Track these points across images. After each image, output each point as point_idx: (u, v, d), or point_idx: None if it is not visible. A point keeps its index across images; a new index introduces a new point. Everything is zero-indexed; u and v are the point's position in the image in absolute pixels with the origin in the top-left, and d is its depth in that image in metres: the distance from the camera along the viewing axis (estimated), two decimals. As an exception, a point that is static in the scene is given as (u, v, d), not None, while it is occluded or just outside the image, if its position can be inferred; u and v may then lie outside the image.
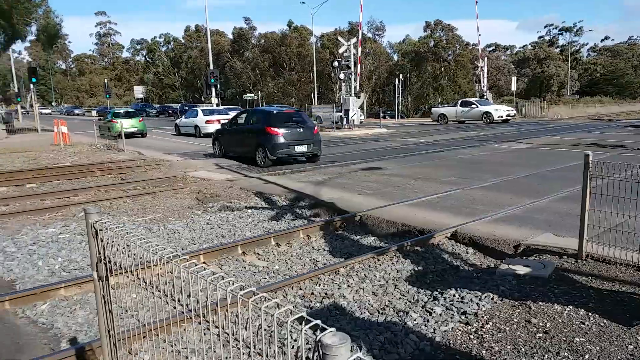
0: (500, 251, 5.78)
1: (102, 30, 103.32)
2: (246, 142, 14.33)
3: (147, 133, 26.92)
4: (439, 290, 4.63)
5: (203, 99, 66.61)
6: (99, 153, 18.50)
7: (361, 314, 4.39)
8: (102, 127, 25.70)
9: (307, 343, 1.24)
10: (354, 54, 27.13)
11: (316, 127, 14.64)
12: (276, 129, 13.28)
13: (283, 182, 10.84)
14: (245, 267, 5.92)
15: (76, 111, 72.41)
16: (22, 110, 37.53)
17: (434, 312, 3.96)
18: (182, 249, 6.52)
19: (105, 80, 49.07)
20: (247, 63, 68.00)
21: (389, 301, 4.64)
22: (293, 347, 1.33)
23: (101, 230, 2.06)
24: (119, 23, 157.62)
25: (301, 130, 13.73)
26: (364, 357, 1.16)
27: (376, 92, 62.37)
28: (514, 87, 44.11)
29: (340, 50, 27.83)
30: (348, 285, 5.08)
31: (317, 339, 1.17)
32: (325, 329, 1.19)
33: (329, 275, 5.37)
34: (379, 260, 5.77)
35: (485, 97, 34.13)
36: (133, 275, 1.98)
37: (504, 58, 75.11)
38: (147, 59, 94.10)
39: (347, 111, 27.00)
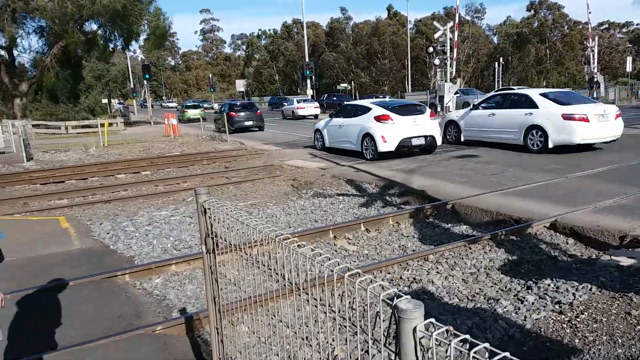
0: (604, 242, 5.43)
1: (206, 27, 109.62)
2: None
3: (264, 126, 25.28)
4: (533, 279, 4.50)
5: (299, 90, 68.32)
6: (205, 143, 19.84)
7: (449, 299, 4.40)
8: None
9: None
10: (450, 39, 26.26)
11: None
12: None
13: (373, 170, 10.93)
14: (336, 251, 6.14)
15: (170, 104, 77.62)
16: (149, 104, 41.10)
17: (526, 300, 3.88)
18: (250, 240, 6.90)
19: (210, 75, 52.14)
20: (340, 54, 68.44)
21: (479, 289, 4.60)
22: (374, 314, 1.46)
23: (209, 208, 2.34)
24: (220, 19, 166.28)
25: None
26: (436, 322, 1.26)
27: (474, 77, 59.80)
28: (629, 68, 39.99)
29: (436, 36, 27.07)
30: (437, 272, 5.09)
31: (394, 304, 1.28)
32: (402, 297, 1.30)
33: (418, 261, 5.41)
34: (470, 248, 5.69)
35: (595, 79, 31.28)
36: (238, 249, 2.22)
37: (619, 36, 68.14)
38: (247, 53, 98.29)
39: (441, 97, 26.28)
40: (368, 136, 12.55)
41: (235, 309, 2.95)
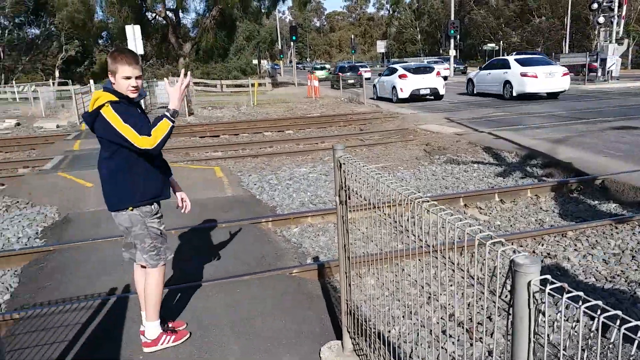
0: None
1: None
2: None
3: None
4: (688, 268, 4.08)
5: (441, 51, 65.55)
6: (343, 105, 20.38)
7: (585, 278, 4.21)
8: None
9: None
10: (621, -7, 22.99)
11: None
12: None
13: (515, 138, 10.37)
14: (465, 219, 6.11)
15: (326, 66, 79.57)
16: (294, 65, 43.54)
17: (674, 287, 3.57)
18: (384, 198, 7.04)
19: (352, 36, 52.45)
20: (490, 11, 63.70)
21: (621, 271, 4.31)
22: (493, 268, 1.59)
23: (344, 163, 2.60)
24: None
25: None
26: (552, 279, 1.32)
27: (650, 38, 51.58)
28: None
29: (604, -11, 23.86)
30: (575, 249, 4.85)
31: (511, 258, 1.35)
32: (519, 253, 1.39)
33: (555, 236, 5.18)
34: (617, 228, 5.27)
35: None
36: (369, 203, 2.47)
37: None
38: (390, 13, 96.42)
39: (603, 60, 23.33)
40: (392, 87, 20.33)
41: (363, 262, 3.24)
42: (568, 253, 4.76)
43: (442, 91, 20.10)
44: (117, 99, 2.73)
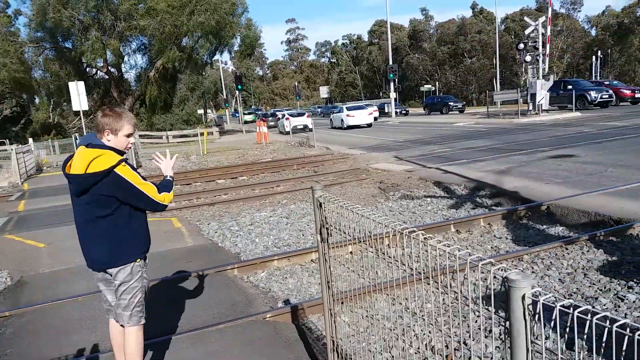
0: None
1: (292, 37, 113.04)
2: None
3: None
4: (635, 280, 4.41)
5: (381, 94, 68.33)
6: (294, 149, 20.67)
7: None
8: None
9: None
10: (542, 34, 25.09)
11: None
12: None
13: (462, 171, 10.89)
14: (426, 251, 6.31)
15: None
16: (240, 113, 44.10)
17: (627, 299, 3.86)
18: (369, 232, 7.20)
19: (296, 83, 53.70)
20: (425, 54, 67.50)
21: (576, 288, 4.58)
22: (486, 287, 1.72)
23: (323, 203, 2.71)
24: (306, 28, 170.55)
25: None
26: (543, 291, 1.46)
27: (569, 73, 56.22)
28: None
29: (527, 31, 25.97)
30: (532, 272, 5.12)
31: (505, 275, 1.48)
32: (511, 270, 1.52)
33: (512, 261, 5.45)
34: (567, 249, 5.62)
35: None
36: (354, 239, 2.57)
37: None
38: (331, 60, 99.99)
39: (533, 95, 25.15)
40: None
41: (346, 297, 3.30)
42: (527, 276, 5.01)
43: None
44: (124, 157, 2.80)
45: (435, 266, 1.96)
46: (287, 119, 32.39)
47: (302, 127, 31.63)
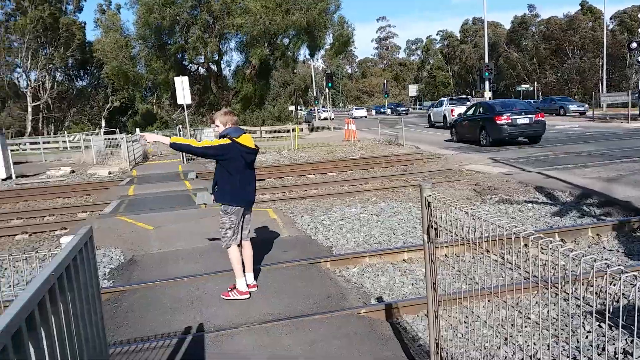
0: None
1: (382, 35, 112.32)
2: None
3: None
4: None
5: (474, 93, 65.74)
6: (382, 147, 20.54)
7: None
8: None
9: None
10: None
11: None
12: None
13: (566, 177, 10.20)
14: (527, 259, 5.99)
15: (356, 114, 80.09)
16: (330, 110, 44.54)
17: None
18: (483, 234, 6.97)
19: (385, 81, 53.29)
20: (525, 52, 63.97)
21: None
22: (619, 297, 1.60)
23: (432, 202, 2.66)
24: (397, 26, 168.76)
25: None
26: None
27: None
28: None
29: (643, 28, 23.72)
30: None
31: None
32: None
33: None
34: (693, 267, 5.06)
35: None
36: (466, 241, 2.50)
37: None
38: (422, 58, 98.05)
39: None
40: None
41: (449, 300, 3.23)
42: (645, 293, 4.59)
43: None
44: None
45: (556, 273, 1.86)
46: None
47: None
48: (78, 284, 1.79)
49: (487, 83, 37.29)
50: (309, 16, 31.81)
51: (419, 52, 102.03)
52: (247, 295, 4.74)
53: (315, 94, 58.77)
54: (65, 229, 8.98)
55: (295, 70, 44.44)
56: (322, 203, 9.84)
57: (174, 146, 4.53)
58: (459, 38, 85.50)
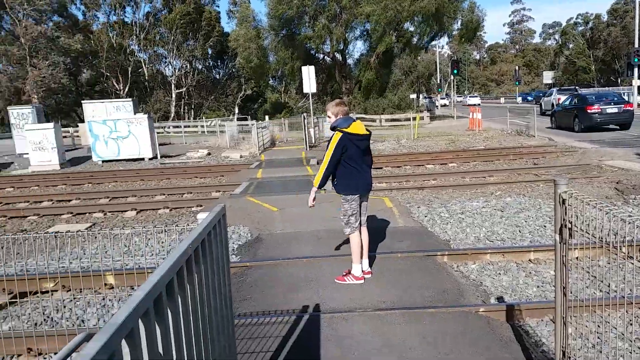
0: None
1: (516, 18, 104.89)
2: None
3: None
4: None
5: (620, 81, 58.63)
6: (510, 138, 19.32)
7: None
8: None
9: None
10: None
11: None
12: None
13: None
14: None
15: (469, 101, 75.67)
16: (453, 98, 43.01)
17: None
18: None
19: (517, 67, 49.85)
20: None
21: None
22: None
23: (567, 199, 2.45)
24: (532, 9, 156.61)
25: None
26: None
27: None
28: None
29: None
30: None
31: None
32: None
33: None
34: None
35: None
36: (606, 244, 2.28)
37: None
38: (559, 43, 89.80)
39: None
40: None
41: (586, 306, 2.96)
42: None
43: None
44: None
45: None
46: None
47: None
48: (211, 257, 1.96)
49: (636, 70, 33.15)
50: (438, 2, 30.77)
51: (556, 36, 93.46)
52: (362, 281, 4.82)
53: (438, 82, 56.93)
54: (201, 206, 9.85)
55: (418, 58, 43.36)
56: (441, 194, 9.57)
57: (322, 184, 4.72)
58: (605, 20, 76.55)
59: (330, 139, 4.70)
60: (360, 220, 4.88)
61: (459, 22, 35.49)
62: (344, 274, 4.92)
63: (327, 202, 8.49)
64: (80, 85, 50.11)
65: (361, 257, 4.89)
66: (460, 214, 7.81)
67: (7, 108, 27.14)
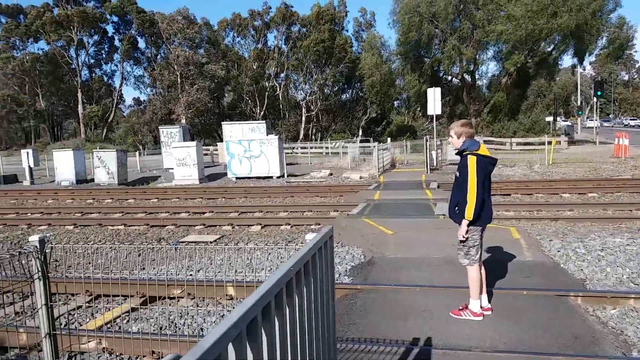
0: None
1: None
2: None
3: None
4: None
5: None
6: (665, 168, 16.96)
7: None
8: None
9: None
10: None
11: None
12: None
13: None
14: None
15: (632, 122, 67.75)
16: (596, 122, 39.04)
17: None
18: None
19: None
20: None
21: None
22: None
23: None
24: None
25: None
26: None
27: None
28: None
29: None
30: None
31: None
32: None
33: None
34: None
35: None
36: None
37: None
38: None
39: None
40: None
41: None
42: None
43: None
44: None
45: None
46: None
47: None
48: (315, 279, 1.96)
49: None
50: (579, 18, 28.38)
51: None
52: (480, 318, 4.50)
53: (579, 104, 52.12)
54: (319, 224, 10.08)
55: (555, 78, 40.19)
56: (577, 227, 8.65)
57: (475, 215, 4.29)
58: None
59: (464, 165, 4.34)
60: (480, 253, 4.58)
61: (604, 39, 32.32)
62: (461, 308, 4.64)
63: (445, 228, 8.16)
64: (222, 108, 54.91)
65: (480, 293, 4.58)
66: (600, 250, 6.97)
67: (159, 127, 30.62)
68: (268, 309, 1.39)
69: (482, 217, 4.43)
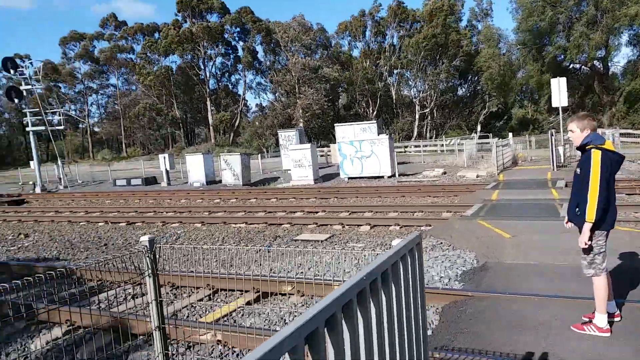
0: None
1: None
2: None
3: None
4: None
5: None
6: None
7: None
8: None
9: None
10: None
11: None
12: None
13: None
14: None
15: None
16: None
17: None
18: None
19: None
20: None
21: None
22: None
23: None
24: None
25: None
26: None
27: None
28: None
29: None
30: None
31: None
32: None
33: None
34: None
35: None
36: None
37: None
38: None
39: None
40: None
41: None
42: None
43: None
44: None
45: None
46: None
47: None
48: (398, 287, 1.89)
49: None
50: None
51: None
52: (607, 334, 4.00)
53: None
54: (430, 225, 9.77)
55: None
56: None
57: (598, 216, 3.83)
58: None
59: (588, 160, 3.90)
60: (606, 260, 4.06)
61: None
62: (584, 321, 4.17)
63: (569, 232, 7.41)
64: (337, 110, 55.99)
65: (608, 299, 4.07)
66: None
67: (278, 131, 32.14)
68: (334, 321, 1.36)
69: (610, 218, 3.94)
